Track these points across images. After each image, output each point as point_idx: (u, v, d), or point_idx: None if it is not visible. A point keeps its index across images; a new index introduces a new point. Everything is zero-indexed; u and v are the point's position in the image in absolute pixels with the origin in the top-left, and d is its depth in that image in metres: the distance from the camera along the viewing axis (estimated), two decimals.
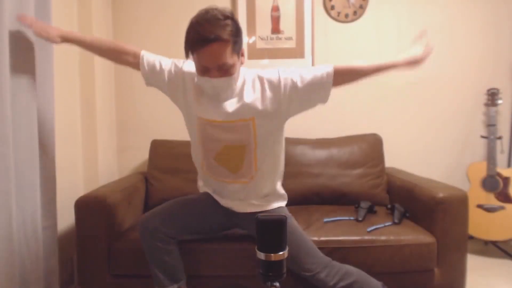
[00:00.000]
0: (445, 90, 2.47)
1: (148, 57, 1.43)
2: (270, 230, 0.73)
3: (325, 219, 1.77)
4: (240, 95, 1.34)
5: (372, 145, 2.22)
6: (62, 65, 1.89)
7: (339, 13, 2.41)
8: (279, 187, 1.56)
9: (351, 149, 2.19)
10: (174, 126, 2.43)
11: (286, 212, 1.53)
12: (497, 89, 2.34)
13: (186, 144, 2.22)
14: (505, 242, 2.28)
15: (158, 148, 2.22)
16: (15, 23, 1.36)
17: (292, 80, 1.32)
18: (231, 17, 1.21)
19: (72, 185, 2.00)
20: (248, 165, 1.41)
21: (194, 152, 1.53)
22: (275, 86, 1.33)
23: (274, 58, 2.40)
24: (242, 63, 1.33)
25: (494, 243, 2.27)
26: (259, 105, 1.33)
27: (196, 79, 1.34)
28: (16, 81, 1.36)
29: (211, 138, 1.39)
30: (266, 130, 1.37)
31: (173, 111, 2.47)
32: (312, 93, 1.35)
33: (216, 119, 1.35)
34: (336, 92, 2.43)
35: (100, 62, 2.17)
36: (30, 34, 1.42)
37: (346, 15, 2.41)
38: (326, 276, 1.38)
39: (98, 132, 2.13)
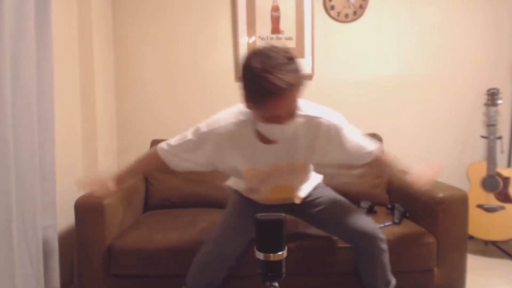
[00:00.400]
0: (445, 90, 2.47)
1: (169, 155, 1.41)
2: (269, 230, 0.73)
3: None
4: (295, 140, 1.31)
5: None
6: (62, 65, 1.88)
7: (339, 13, 2.41)
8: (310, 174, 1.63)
9: None
10: (174, 126, 2.43)
11: (330, 189, 1.63)
12: (497, 89, 2.34)
13: None
14: (505, 242, 2.28)
15: None
16: (15, 23, 1.36)
17: (342, 142, 1.35)
18: (292, 57, 1.12)
19: (72, 185, 1.99)
20: (298, 181, 1.52)
21: (235, 180, 1.57)
22: (327, 143, 1.33)
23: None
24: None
25: (494, 243, 2.27)
26: (312, 150, 1.35)
27: (243, 126, 1.29)
28: (16, 81, 1.36)
29: (262, 181, 1.43)
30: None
31: (173, 111, 2.48)
32: (351, 158, 1.42)
33: (265, 167, 1.36)
34: (336, 92, 2.44)
35: (100, 62, 2.17)
36: (30, 34, 1.42)
37: (346, 15, 2.41)
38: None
39: (98, 132, 2.13)
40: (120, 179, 1.48)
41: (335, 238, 1.59)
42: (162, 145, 1.42)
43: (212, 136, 1.30)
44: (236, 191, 1.61)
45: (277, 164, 1.36)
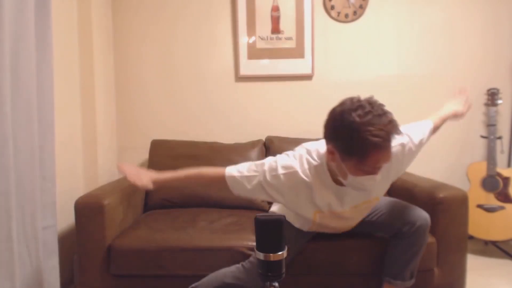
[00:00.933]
0: (445, 90, 2.47)
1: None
2: (269, 230, 0.73)
3: None
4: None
5: None
6: (62, 65, 1.89)
7: (339, 13, 2.41)
8: None
9: None
10: (174, 126, 2.44)
11: None
12: (497, 89, 2.34)
13: (186, 144, 2.23)
14: (505, 242, 2.28)
15: (158, 148, 2.22)
16: (15, 23, 1.36)
17: (413, 153, 1.38)
18: (384, 106, 1.15)
19: (72, 185, 2.00)
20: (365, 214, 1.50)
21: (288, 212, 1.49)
22: (401, 163, 1.36)
23: (274, 58, 2.40)
24: None
25: (494, 243, 2.27)
26: (387, 180, 1.37)
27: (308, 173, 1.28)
28: (16, 81, 1.36)
29: (330, 222, 1.42)
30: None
31: (173, 111, 2.48)
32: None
33: (343, 208, 1.35)
34: (336, 92, 2.44)
35: (100, 62, 2.17)
36: (30, 34, 1.42)
37: (346, 15, 2.41)
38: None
39: (98, 132, 2.13)
40: (160, 181, 1.39)
41: (335, 239, 1.59)
42: (233, 171, 1.32)
43: (289, 178, 1.27)
44: (287, 225, 1.52)
45: (354, 206, 1.36)
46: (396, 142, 1.27)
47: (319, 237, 1.59)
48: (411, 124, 1.44)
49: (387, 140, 1.08)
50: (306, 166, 1.28)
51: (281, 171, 1.27)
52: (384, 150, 1.09)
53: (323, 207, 1.33)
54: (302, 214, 1.38)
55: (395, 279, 1.44)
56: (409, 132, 1.36)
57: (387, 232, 1.52)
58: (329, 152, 1.20)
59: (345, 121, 1.10)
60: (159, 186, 1.40)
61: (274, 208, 1.61)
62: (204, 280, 1.43)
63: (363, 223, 1.53)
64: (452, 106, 1.59)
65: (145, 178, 1.37)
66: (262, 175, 1.29)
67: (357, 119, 1.07)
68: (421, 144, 1.40)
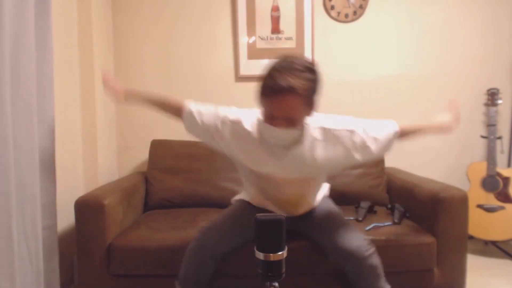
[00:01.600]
0: (445, 90, 2.47)
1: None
2: (269, 230, 0.73)
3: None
4: (309, 153, 1.31)
5: None
6: (62, 65, 1.89)
7: (339, 13, 2.41)
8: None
9: None
10: (174, 126, 2.42)
11: (328, 201, 1.63)
12: (497, 89, 2.34)
13: (186, 144, 2.23)
14: (505, 242, 2.28)
15: (158, 148, 2.22)
16: (15, 23, 1.36)
17: (366, 145, 1.33)
18: (313, 69, 1.17)
19: (72, 185, 2.00)
20: (306, 197, 1.49)
21: (245, 180, 1.55)
22: (347, 148, 1.32)
23: (274, 58, 2.39)
24: (310, 114, 1.27)
25: (494, 243, 2.27)
26: (326, 163, 1.34)
27: (251, 126, 1.34)
28: (16, 81, 1.36)
29: (269, 188, 1.44)
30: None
31: None
32: (381, 152, 1.40)
33: (277, 173, 1.36)
34: (336, 92, 2.44)
35: (100, 62, 2.17)
36: (30, 34, 1.42)
37: (346, 15, 2.41)
38: (375, 259, 1.38)
39: (98, 132, 2.13)
40: (134, 93, 1.56)
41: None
42: (192, 106, 1.42)
43: (235, 127, 1.35)
44: (240, 201, 1.60)
45: (289, 180, 1.38)
46: (345, 126, 1.32)
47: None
48: (375, 120, 1.40)
49: (281, 88, 1.10)
50: (253, 118, 1.35)
51: (230, 117, 1.36)
52: (276, 97, 1.13)
53: (258, 164, 1.36)
54: (243, 168, 1.44)
55: None
56: (366, 126, 1.35)
57: (330, 255, 1.45)
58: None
59: (269, 66, 1.18)
60: (130, 98, 1.55)
61: (239, 196, 1.64)
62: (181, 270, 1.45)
63: (307, 227, 1.53)
64: (439, 118, 1.52)
65: (120, 88, 1.53)
66: (215, 118, 1.37)
67: (274, 65, 1.16)
68: (376, 141, 1.34)
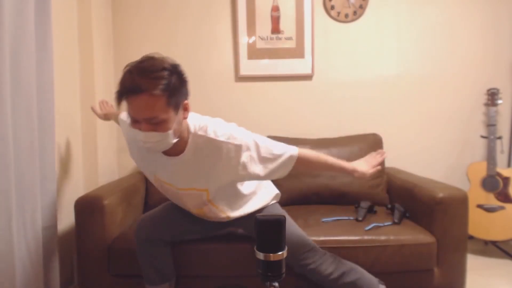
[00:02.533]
0: (445, 90, 2.47)
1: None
2: (269, 230, 0.73)
3: (324, 219, 1.77)
4: (192, 163, 1.24)
5: (372, 145, 2.21)
6: (62, 65, 1.89)
7: (339, 13, 2.41)
8: (252, 195, 1.50)
9: (351, 149, 2.19)
10: None
11: (274, 209, 1.55)
12: (497, 89, 2.34)
13: None
14: (505, 242, 2.28)
15: None
16: (15, 23, 1.36)
17: (254, 164, 1.25)
18: (170, 69, 1.12)
19: (72, 185, 2.00)
20: (207, 209, 1.41)
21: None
22: (230, 163, 1.23)
23: (274, 58, 2.40)
24: (184, 118, 1.21)
25: (494, 243, 2.27)
26: (211, 175, 1.26)
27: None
28: (16, 81, 1.36)
29: (172, 196, 1.45)
30: (222, 189, 1.35)
31: None
32: (270, 176, 1.31)
33: (168, 182, 1.34)
34: (336, 92, 2.44)
35: (99, 62, 2.17)
36: (30, 34, 1.42)
37: (346, 15, 2.41)
38: (326, 268, 1.38)
39: (98, 132, 2.13)
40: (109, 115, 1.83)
41: (336, 236, 1.59)
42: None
43: (123, 126, 1.43)
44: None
45: (183, 189, 1.33)
46: (232, 140, 1.22)
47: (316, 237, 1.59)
48: (275, 142, 1.32)
49: (133, 89, 1.07)
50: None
51: (121, 115, 1.51)
52: (132, 98, 1.08)
53: (146, 169, 1.39)
54: (145, 172, 1.43)
55: None
56: (260, 143, 1.27)
57: None
58: None
59: (124, 68, 1.15)
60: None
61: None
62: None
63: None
64: (357, 162, 1.41)
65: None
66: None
67: (129, 65, 1.13)
68: (266, 161, 1.26)
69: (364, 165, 1.39)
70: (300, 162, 1.31)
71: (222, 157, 1.22)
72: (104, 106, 1.89)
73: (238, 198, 1.46)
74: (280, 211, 1.57)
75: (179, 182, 1.32)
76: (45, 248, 1.54)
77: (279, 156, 1.28)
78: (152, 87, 1.06)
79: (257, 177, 1.28)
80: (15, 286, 1.34)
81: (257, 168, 1.25)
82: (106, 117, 1.86)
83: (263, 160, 1.26)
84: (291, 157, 1.29)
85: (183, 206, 1.46)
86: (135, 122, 1.11)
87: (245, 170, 1.24)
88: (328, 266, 1.41)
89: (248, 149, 1.24)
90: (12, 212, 1.31)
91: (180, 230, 1.53)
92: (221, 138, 1.22)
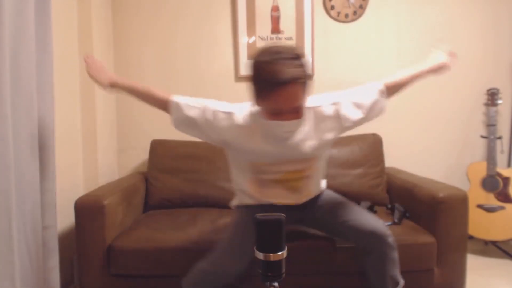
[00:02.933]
0: (445, 90, 2.47)
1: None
2: (269, 230, 0.73)
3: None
4: (308, 132, 1.32)
5: (372, 145, 2.22)
6: (62, 65, 1.89)
7: (339, 13, 2.41)
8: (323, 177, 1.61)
9: (351, 149, 2.19)
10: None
11: (331, 191, 1.62)
12: (497, 89, 2.34)
13: (186, 144, 2.23)
14: (505, 242, 2.28)
15: (158, 148, 2.22)
16: (15, 23, 1.36)
17: (353, 112, 1.37)
18: (300, 55, 1.16)
19: (72, 185, 2.00)
20: (305, 182, 1.45)
21: (241, 177, 1.50)
22: (335, 124, 1.35)
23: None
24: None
25: (494, 243, 2.27)
26: (322, 143, 1.35)
27: (245, 119, 1.31)
28: (16, 81, 1.36)
29: (272, 177, 1.41)
30: (325, 151, 1.46)
31: None
32: (371, 114, 1.41)
33: (287, 158, 1.35)
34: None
35: None
36: (30, 34, 1.42)
37: (346, 15, 2.41)
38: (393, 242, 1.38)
39: (98, 132, 2.13)
40: (117, 85, 1.46)
41: (335, 238, 1.59)
42: (179, 99, 1.38)
43: (224, 120, 1.32)
44: (239, 209, 1.55)
45: (288, 160, 1.36)
46: (329, 101, 1.34)
47: (319, 237, 1.60)
48: (359, 87, 1.44)
49: (284, 80, 1.09)
50: (245, 111, 1.33)
51: (220, 109, 1.33)
52: (281, 90, 1.11)
53: (256, 156, 1.35)
54: (237, 160, 1.43)
55: None
56: (349, 94, 1.39)
57: (345, 238, 1.50)
58: (251, 92, 1.23)
59: (257, 61, 1.15)
60: (115, 88, 1.47)
61: (235, 201, 1.61)
62: (188, 276, 1.41)
63: (313, 219, 1.53)
64: (433, 59, 1.51)
65: (105, 77, 1.46)
66: (203, 108, 1.34)
67: (264, 58, 1.13)
68: (362, 106, 1.37)
69: (441, 55, 1.48)
70: (390, 90, 1.43)
71: (327, 119, 1.33)
72: (95, 64, 1.50)
73: (322, 174, 1.55)
74: (334, 195, 1.59)
75: (301, 154, 1.34)
76: (45, 248, 1.54)
77: (370, 96, 1.39)
78: (299, 76, 1.11)
79: (360, 121, 1.39)
80: (15, 286, 1.34)
81: (357, 113, 1.36)
82: (112, 85, 1.47)
83: (358, 105, 1.37)
84: (380, 92, 1.40)
85: (279, 184, 1.42)
86: (277, 114, 1.17)
87: (348, 120, 1.36)
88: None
89: (342, 102, 1.35)
90: (12, 212, 1.31)
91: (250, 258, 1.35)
92: (322, 103, 1.34)
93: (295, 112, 1.19)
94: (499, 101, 2.34)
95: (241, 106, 1.35)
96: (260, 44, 2.39)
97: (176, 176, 2.13)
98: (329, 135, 1.36)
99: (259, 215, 0.74)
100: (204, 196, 2.10)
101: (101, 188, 1.79)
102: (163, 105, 1.41)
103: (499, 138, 2.37)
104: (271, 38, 2.39)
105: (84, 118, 2.09)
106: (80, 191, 2.03)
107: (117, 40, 2.40)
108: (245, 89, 2.42)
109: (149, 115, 2.44)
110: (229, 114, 1.33)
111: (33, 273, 1.46)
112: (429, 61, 1.52)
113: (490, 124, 2.34)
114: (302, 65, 1.14)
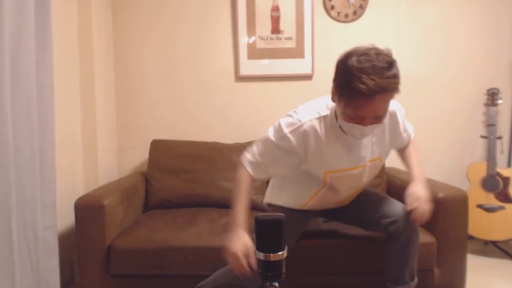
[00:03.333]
0: (445, 90, 2.47)
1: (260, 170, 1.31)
2: (269, 230, 0.73)
3: (324, 219, 1.77)
4: (378, 134, 1.34)
5: None
6: (62, 65, 1.89)
7: (339, 13, 2.41)
8: None
9: None
10: (174, 126, 2.44)
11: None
12: (497, 89, 2.34)
13: (186, 144, 2.23)
14: (505, 242, 2.28)
15: (158, 148, 2.22)
16: (15, 23, 1.36)
17: (407, 130, 1.46)
18: (394, 62, 1.12)
19: (72, 185, 2.00)
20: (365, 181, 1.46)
21: (298, 189, 1.45)
22: (397, 127, 1.39)
23: (274, 58, 2.40)
24: None
25: (494, 243, 2.27)
26: (390, 143, 1.40)
27: (314, 127, 1.26)
28: (16, 81, 1.36)
29: (339, 186, 1.39)
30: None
31: (173, 111, 2.48)
32: (399, 141, 1.46)
33: (363, 163, 1.34)
34: None
35: (100, 62, 2.17)
36: (30, 34, 1.42)
37: (346, 15, 2.41)
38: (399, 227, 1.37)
39: (98, 132, 2.13)
40: (245, 225, 1.24)
41: (336, 238, 1.59)
42: (248, 159, 1.30)
43: (297, 135, 1.25)
44: (278, 208, 1.49)
45: (366, 160, 1.34)
46: (394, 106, 1.33)
47: (320, 237, 1.60)
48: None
49: (374, 91, 1.05)
50: (314, 116, 1.27)
51: (286, 130, 1.25)
52: (368, 101, 1.07)
53: (333, 163, 1.31)
54: (314, 173, 1.35)
55: (396, 284, 1.41)
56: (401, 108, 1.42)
57: (370, 227, 1.51)
58: (332, 91, 1.21)
59: (346, 63, 1.10)
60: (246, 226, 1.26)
61: (271, 199, 1.55)
62: (208, 279, 1.40)
63: (344, 213, 1.53)
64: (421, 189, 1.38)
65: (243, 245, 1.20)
66: (270, 142, 1.27)
67: (355, 63, 1.07)
68: (406, 128, 1.45)
69: (423, 194, 1.33)
70: (404, 152, 1.51)
71: (396, 123, 1.35)
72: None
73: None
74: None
75: (374, 154, 1.36)
76: (45, 248, 1.54)
77: (410, 129, 1.49)
78: (390, 88, 1.09)
79: (407, 139, 1.47)
80: (15, 286, 1.34)
81: (407, 130, 1.45)
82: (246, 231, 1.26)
83: (405, 128, 1.44)
84: (410, 136, 1.49)
85: (345, 192, 1.43)
86: (359, 119, 1.13)
87: (405, 131, 1.44)
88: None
89: (403, 115, 1.40)
90: (12, 212, 1.31)
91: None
92: (397, 108, 1.36)
93: (378, 118, 1.15)
94: (499, 101, 2.34)
95: (307, 111, 1.29)
96: (260, 44, 2.39)
97: (176, 176, 2.13)
98: (389, 139, 1.38)
99: (259, 215, 0.74)
100: (204, 196, 2.10)
101: (101, 188, 1.79)
102: (252, 182, 1.30)
103: (499, 138, 2.37)
104: (271, 38, 2.39)
105: (84, 118, 2.09)
106: (80, 191, 2.03)
107: (117, 40, 2.40)
108: (245, 89, 2.43)
109: (149, 115, 2.45)
110: (296, 128, 1.25)
111: (33, 273, 1.46)
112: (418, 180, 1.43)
113: (490, 124, 2.34)
114: (393, 76, 1.09)
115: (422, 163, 1.48)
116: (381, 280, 1.48)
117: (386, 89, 1.07)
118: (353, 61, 1.07)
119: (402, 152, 1.52)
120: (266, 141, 1.30)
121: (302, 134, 1.25)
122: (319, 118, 1.27)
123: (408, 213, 1.33)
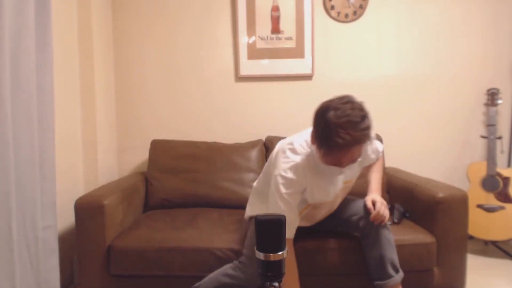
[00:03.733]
0: (445, 90, 2.47)
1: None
2: (269, 230, 0.73)
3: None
4: (354, 166, 1.46)
5: None
6: (62, 65, 1.89)
7: (339, 13, 2.41)
8: None
9: None
10: (174, 126, 2.44)
11: None
12: (497, 89, 2.34)
13: (186, 144, 2.23)
14: (505, 242, 2.28)
15: (158, 148, 2.22)
16: (15, 23, 1.36)
17: (375, 149, 1.59)
18: (366, 114, 1.23)
19: (72, 185, 2.00)
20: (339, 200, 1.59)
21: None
22: (367, 150, 1.52)
23: (274, 58, 2.40)
24: None
25: (494, 243, 2.27)
26: (359, 166, 1.53)
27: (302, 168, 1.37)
28: (16, 81, 1.36)
29: (321, 210, 1.55)
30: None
31: (173, 111, 2.48)
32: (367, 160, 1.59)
33: (328, 199, 1.47)
34: (336, 92, 2.43)
35: (100, 62, 2.17)
36: (30, 34, 1.42)
37: (346, 15, 2.41)
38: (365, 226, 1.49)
39: (98, 132, 2.14)
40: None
41: (337, 238, 1.59)
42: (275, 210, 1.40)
43: (299, 173, 1.35)
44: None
45: (346, 182, 1.49)
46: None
47: (321, 236, 1.60)
48: None
49: (350, 144, 1.18)
50: (304, 152, 1.39)
51: (288, 173, 1.36)
52: (346, 152, 1.21)
53: (318, 196, 1.43)
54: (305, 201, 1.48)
55: (382, 279, 1.44)
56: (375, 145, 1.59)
57: (347, 228, 1.59)
58: (311, 135, 1.31)
59: (324, 116, 1.21)
60: None
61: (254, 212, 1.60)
62: (205, 280, 1.44)
63: (331, 221, 1.62)
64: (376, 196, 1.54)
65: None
66: (283, 194, 1.35)
67: (332, 118, 1.19)
68: (373, 152, 1.58)
69: (379, 198, 1.50)
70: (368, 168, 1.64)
71: (365, 149, 1.43)
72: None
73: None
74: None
75: (347, 177, 1.49)
76: (45, 248, 1.54)
77: (379, 147, 1.64)
78: (364, 139, 1.21)
79: (375, 158, 1.62)
80: (15, 286, 1.34)
81: (375, 151, 1.59)
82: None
83: (373, 150, 1.58)
84: (378, 153, 1.63)
85: (326, 212, 1.58)
86: (338, 163, 1.26)
87: (374, 152, 1.58)
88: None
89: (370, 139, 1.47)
90: (12, 212, 1.31)
91: None
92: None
93: (352, 162, 1.28)
94: (499, 101, 2.34)
95: (293, 153, 1.39)
96: (260, 44, 2.39)
97: (176, 176, 2.13)
98: (360, 162, 1.51)
99: (259, 215, 0.74)
100: (204, 196, 2.10)
101: (101, 188, 1.79)
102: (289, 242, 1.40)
103: (499, 138, 2.37)
104: (271, 38, 2.39)
105: (84, 118, 2.09)
106: (80, 191, 2.03)
107: (117, 40, 2.40)
108: (245, 89, 2.44)
109: (149, 115, 2.45)
110: (295, 167, 1.36)
111: (33, 273, 1.46)
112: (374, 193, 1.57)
113: (490, 124, 2.34)
114: (366, 128, 1.21)
115: (381, 180, 1.64)
116: (369, 281, 1.50)
117: (360, 141, 1.21)
118: (330, 115, 1.19)
119: (367, 167, 1.65)
120: (281, 198, 1.36)
121: (301, 169, 1.37)
122: (306, 156, 1.39)
123: (369, 214, 1.46)
